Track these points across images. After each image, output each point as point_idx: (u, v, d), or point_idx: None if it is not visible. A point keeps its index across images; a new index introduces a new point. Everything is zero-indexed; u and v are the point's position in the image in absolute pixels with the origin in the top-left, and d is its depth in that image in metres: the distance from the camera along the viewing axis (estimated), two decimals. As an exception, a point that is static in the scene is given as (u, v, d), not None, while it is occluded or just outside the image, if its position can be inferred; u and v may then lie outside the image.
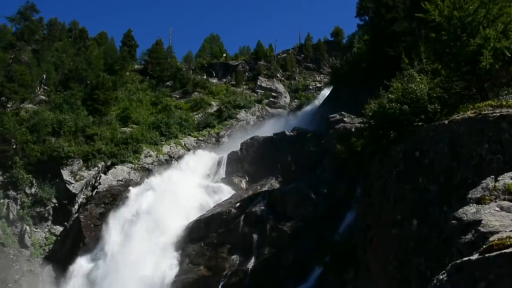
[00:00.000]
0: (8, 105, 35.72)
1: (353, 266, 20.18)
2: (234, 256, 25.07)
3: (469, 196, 7.00)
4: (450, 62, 14.32)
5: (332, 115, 30.42)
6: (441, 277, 4.64)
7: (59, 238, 29.98)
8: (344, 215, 23.87)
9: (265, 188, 28.85)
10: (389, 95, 15.86)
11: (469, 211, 6.34)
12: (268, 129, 37.87)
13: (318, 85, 53.70)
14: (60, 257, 28.13)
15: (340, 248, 21.96)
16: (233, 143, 36.69)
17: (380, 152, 15.48)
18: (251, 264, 24.62)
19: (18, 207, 29.89)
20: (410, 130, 14.30)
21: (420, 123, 14.18)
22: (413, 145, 13.36)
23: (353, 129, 27.30)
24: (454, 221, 6.40)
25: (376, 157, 15.82)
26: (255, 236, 25.21)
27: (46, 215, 30.58)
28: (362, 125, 19.41)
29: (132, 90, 45.89)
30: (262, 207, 26.09)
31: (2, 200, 29.04)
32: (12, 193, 30.13)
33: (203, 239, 26.16)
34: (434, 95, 14.81)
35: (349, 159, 25.71)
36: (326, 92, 44.96)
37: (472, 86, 14.31)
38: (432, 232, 11.52)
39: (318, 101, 44.48)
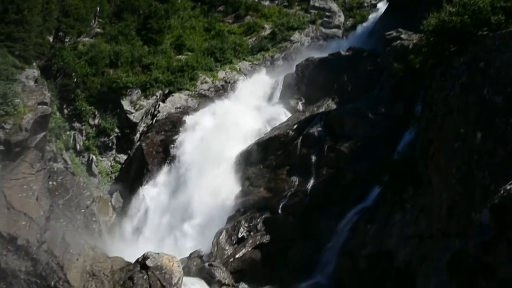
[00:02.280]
0: (66, 40, 36.32)
1: (412, 185, 20.05)
2: (293, 177, 25.44)
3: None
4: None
5: (388, 33, 29.29)
6: (508, 187, 4.52)
7: (123, 165, 31.20)
8: (402, 134, 23.50)
9: (322, 110, 28.65)
10: (450, 9, 15.11)
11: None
12: (323, 50, 37.10)
13: (373, 1, 51.50)
14: (126, 184, 29.41)
15: (399, 166, 21.76)
16: (288, 66, 36.28)
17: (442, 65, 14.93)
18: (310, 184, 24.94)
19: (84, 138, 31.10)
20: (474, 40, 13.64)
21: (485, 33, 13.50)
22: (478, 56, 12.79)
23: (410, 46, 26.35)
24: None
25: (438, 71, 15.29)
26: (313, 157, 25.36)
27: (110, 144, 31.73)
28: (421, 41, 18.68)
29: (184, 18, 45.53)
30: (320, 129, 26.04)
31: (68, 132, 30.21)
32: (77, 125, 31.29)
33: (262, 162, 26.58)
34: (498, 5, 13.96)
35: (406, 77, 24.98)
36: (381, 9, 43.14)
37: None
38: (497, 145, 11.21)
39: (373, 19, 42.82)
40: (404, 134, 23.35)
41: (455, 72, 13.57)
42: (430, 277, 5.39)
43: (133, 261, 20.83)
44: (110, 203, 26.14)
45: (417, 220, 19.37)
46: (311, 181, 24.96)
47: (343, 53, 32.23)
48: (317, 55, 34.30)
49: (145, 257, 20.59)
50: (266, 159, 26.56)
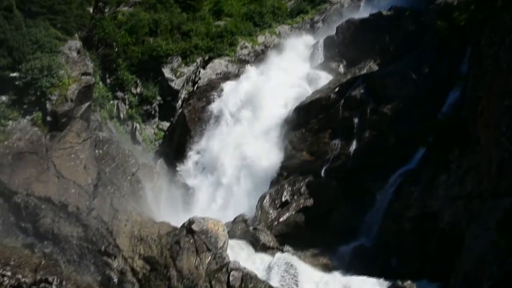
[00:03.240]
0: (106, 10, 36.56)
1: (458, 145, 19.71)
2: (335, 141, 25.26)
3: None
4: None
5: (432, -11, 28.30)
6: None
7: (166, 133, 31.60)
8: (446, 94, 22.95)
9: (364, 71, 28.08)
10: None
11: None
12: (363, 11, 36.20)
13: (415, -42, 49.76)
14: (170, 150, 29.85)
15: (444, 127, 21.39)
16: (328, 28, 35.59)
17: (491, 21, 14.38)
18: (352, 147, 24.74)
19: (127, 106, 31.52)
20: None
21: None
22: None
23: (455, 3, 25.48)
24: None
25: (487, 26, 14.73)
26: (355, 120, 25.04)
27: (152, 112, 32.07)
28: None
29: (221, -18, 45.14)
30: (362, 91, 25.60)
31: (112, 102, 30.64)
32: (120, 94, 31.69)
33: (304, 126, 26.43)
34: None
35: (451, 35, 24.25)
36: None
37: None
38: (549, 100, 10.81)
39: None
40: (449, 94, 22.82)
41: (506, 26, 13.05)
42: (478, 238, 5.30)
43: (179, 226, 21.29)
44: (155, 170, 26.58)
45: (462, 181, 19.11)
46: (354, 144, 24.73)
47: (384, 13, 31.33)
48: (357, 16, 33.52)
49: (191, 222, 21.02)
50: (308, 122, 26.38)
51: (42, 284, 14.73)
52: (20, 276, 16.25)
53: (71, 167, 22.35)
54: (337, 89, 26.83)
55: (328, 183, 24.21)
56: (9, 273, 16.16)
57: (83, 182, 22.12)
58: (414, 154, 22.80)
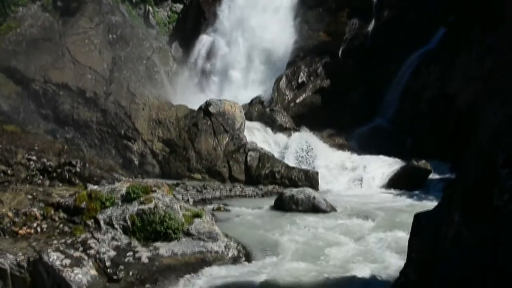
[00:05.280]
0: None
1: (480, 24, 19.07)
2: (353, 20, 24.55)
3: None
4: None
5: None
6: None
7: (180, 15, 30.86)
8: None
9: None
10: None
11: None
12: None
13: None
14: (184, 33, 29.32)
15: (466, 5, 20.53)
16: None
17: None
18: (371, 27, 24.12)
19: (138, -12, 30.58)
20: None
21: None
22: None
23: None
24: None
25: None
26: (374, -3, 24.20)
27: (164, -11, 31.10)
28: None
29: None
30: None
31: (122, -17, 29.73)
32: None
33: (321, 5, 25.53)
34: None
35: None
36: None
37: None
38: None
39: None
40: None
41: None
42: (495, 112, 5.26)
43: (196, 108, 21.49)
44: (170, 53, 26.31)
45: (483, 60, 18.71)
46: (372, 24, 24.08)
47: None
48: None
49: (207, 104, 21.18)
50: (325, 1, 25.48)
51: (66, 167, 15.21)
52: (45, 160, 16.79)
53: (86, 53, 22.26)
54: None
55: (345, 63, 23.89)
56: (34, 158, 16.70)
57: (98, 67, 22.12)
58: (434, 34, 22.20)
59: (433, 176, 18.34)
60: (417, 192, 17.56)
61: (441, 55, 21.00)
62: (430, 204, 10.12)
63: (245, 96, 24.14)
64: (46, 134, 20.42)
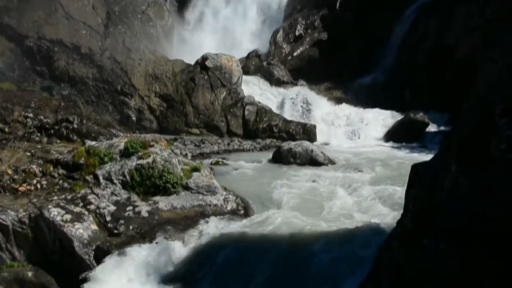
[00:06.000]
0: None
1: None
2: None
3: None
4: None
5: None
6: None
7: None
8: None
9: None
10: None
11: None
12: None
13: None
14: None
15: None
16: None
17: None
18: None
19: None
20: None
21: None
22: None
23: None
24: None
25: None
26: None
27: None
28: None
29: None
30: None
31: None
32: None
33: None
34: None
35: None
36: None
37: None
38: None
39: None
40: None
41: None
42: (494, 61, 5.22)
43: (192, 63, 21.29)
44: (165, 7, 25.76)
45: (483, 11, 18.49)
46: (371, -26, 23.60)
47: None
48: None
49: (204, 58, 20.97)
50: None
51: (64, 124, 15.17)
52: (42, 117, 16.74)
53: (80, 8, 21.85)
54: None
55: (343, 16, 23.56)
56: (31, 115, 16.64)
57: (93, 22, 21.77)
58: (433, -16, 21.80)
59: (431, 128, 18.38)
60: (414, 144, 17.64)
61: (440, 6, 20.69)
62: (427, 156, 10.15)
63: (242, 49, 23.89)
64: (42, 91, 20.32)
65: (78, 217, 9.56)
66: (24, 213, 9.69)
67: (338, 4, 23.75)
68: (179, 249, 9.02)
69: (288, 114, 20.41)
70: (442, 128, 18.03)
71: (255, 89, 21.88)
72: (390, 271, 6.03)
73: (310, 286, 7.70)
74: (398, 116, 19.08)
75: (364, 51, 22.24)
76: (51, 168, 11.24)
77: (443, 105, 18.51)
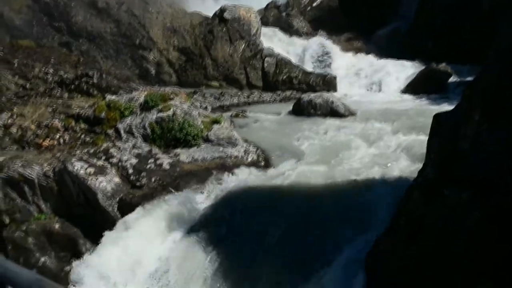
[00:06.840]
0: None
1: None
2: None
3: None
4: None
5: None
6: None
7: None
8: None
9: None
10: None
11: None
12: None
13: None
14: None
15: None
16: None
17: None
18: None
19: None
20: None
21: None
22: None
23: None
24: None
25: None
26: None
27: None
28: None
29: None
30: None
31: None
32: None
33: None
34: None
35: None
36: None
37: None
38: None
39: None
40: None
41: None
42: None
43: (210, 15, 21.05)
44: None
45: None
46: None
47: None
48: None
49: (222, 10, 20.70)
50: None
51: (84, 79, 15.23)
52: (62, 72, 16.78)
53: (96, -39, 21.62)
54: None
55: None
56: (51, 71, 16.68)
57: (109, -25, 21.56)
58: None
59: (453, 79, 18.02)
60: (436, 95, 17.32)
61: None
62: (450, 107, 9.97)
63: (260, 0, 23.49)
64: (61, 47, 20.32)
65: (101, 170, 9.71)
66: (48, 167, 9.87)
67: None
68: (201, 199, 9.16)
69: (308, 66, 20.18)
70: (465, 79, 17.67)
71: (274, 40, 21.61)
72: (409, 223, 6.05)
73: (325, 236, 7.76)
74: (420, 67, 18.68)
75: (385, 1, 21.71)
76: (73, 123, 11.37)
77: (465, 57, 18.08)
